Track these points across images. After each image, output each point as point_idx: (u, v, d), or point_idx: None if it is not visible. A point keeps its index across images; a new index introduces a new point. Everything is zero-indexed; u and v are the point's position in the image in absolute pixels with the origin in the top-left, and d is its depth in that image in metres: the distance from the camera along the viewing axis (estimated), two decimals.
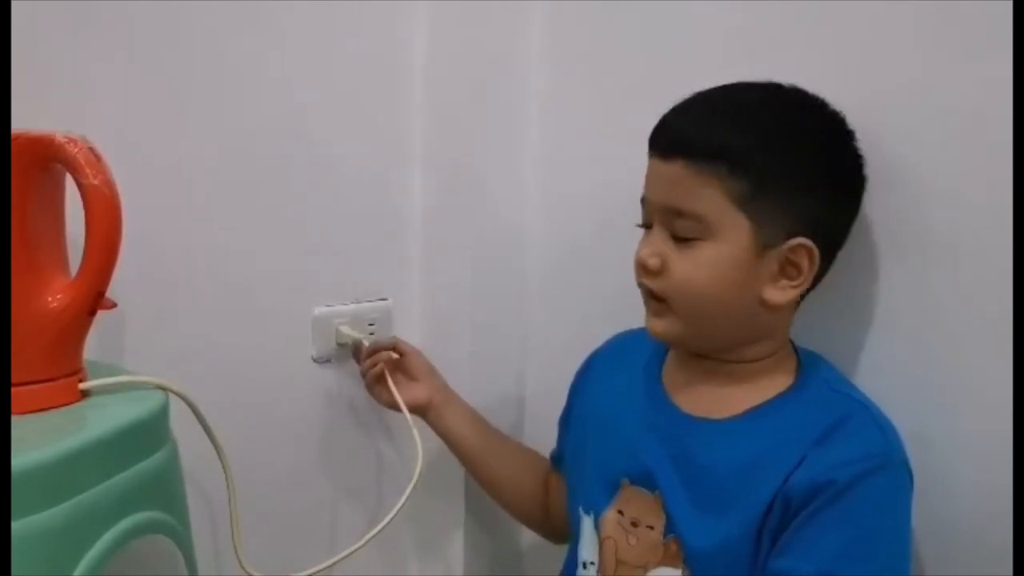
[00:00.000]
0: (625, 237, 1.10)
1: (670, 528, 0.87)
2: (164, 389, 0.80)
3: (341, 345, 1.14)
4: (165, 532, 0.76)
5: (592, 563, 0.94)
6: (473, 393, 1.16)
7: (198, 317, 1.01)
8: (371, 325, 1.15)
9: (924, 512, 0.86)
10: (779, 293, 0.84)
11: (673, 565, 0.87)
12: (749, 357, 0.88)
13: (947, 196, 0.86)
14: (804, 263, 0.84)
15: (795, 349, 0.92)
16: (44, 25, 0.87)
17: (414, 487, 1.04)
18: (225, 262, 1.03)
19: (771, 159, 0.83)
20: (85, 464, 0.68)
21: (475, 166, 1.19)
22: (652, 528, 0.88)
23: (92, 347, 0.79)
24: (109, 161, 0.73)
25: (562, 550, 1.03)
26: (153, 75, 0.95)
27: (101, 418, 0.74)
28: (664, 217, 0.86)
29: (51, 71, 0.88)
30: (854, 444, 0.82)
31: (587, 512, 0.95)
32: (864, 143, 0.88)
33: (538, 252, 1.23)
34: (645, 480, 0.89)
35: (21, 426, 0.69)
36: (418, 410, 1.10)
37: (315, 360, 1.13)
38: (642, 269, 0.87)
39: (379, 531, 1.02)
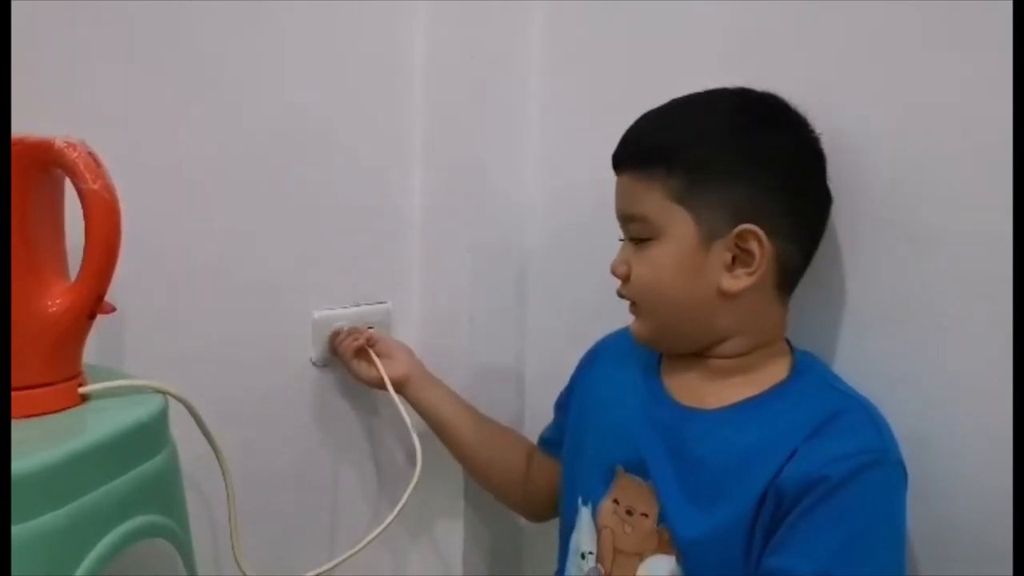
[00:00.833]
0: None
1: (663, 517, 0.88)
2: (164, 393, 0.80)
3: None
4: (165, 535, 0.76)
5: (591, 553, 0.95)
6: (473, 394, 1.16)
7: (198, 321, 1.01)
8: (370, 328, 1.15)
9: (922, 513, 0.86)
10: (735, 282, 0.87)
11: (667, 553, 0.87)
12: (730, 352, 0.89)
13: (946, 195, 0.86)
14: (754, 248, 0.86)
15: (791, 349, 0.92)
16: (43, 27, 0.87)
17: (413, 488, 1.04)
18: (224, 266, 1.03)
19: (701, 152, 0.87)
20: (85, 468, 0.68)
21: (475, 168, 1.19)
22: (646, 516, 0.89)
23: (92, 351, 0.79)
24: (108, 165, 0.73)
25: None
26: (152, 77, 0.95)
27: (101, 422, 0.74)
28: (624, 225, 0.92)
29: (50, 74, 0.88)
30: (847, 439, 0.82)
31: (585, 503, 0.96)
32: (857, 142, 0.89)
33: (537, 254, 1.23)
34: (639, 468, 0.90)
35: (21, 430, 0.69)
36: (397, 385, 1.12)
37: (314, 363, 1.13)
38: (614, 277, 0.93)
39: (379, 534, 1.02)
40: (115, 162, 0.74)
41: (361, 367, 1.12)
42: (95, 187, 0.72)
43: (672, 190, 0.86)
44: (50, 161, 0.73)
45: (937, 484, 0.87)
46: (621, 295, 0.93)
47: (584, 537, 0.96)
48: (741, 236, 0.85)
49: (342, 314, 1.14)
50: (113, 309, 0.78)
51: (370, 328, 1.15)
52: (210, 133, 1.00)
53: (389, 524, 1.02)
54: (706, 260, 0.86)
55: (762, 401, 0.88)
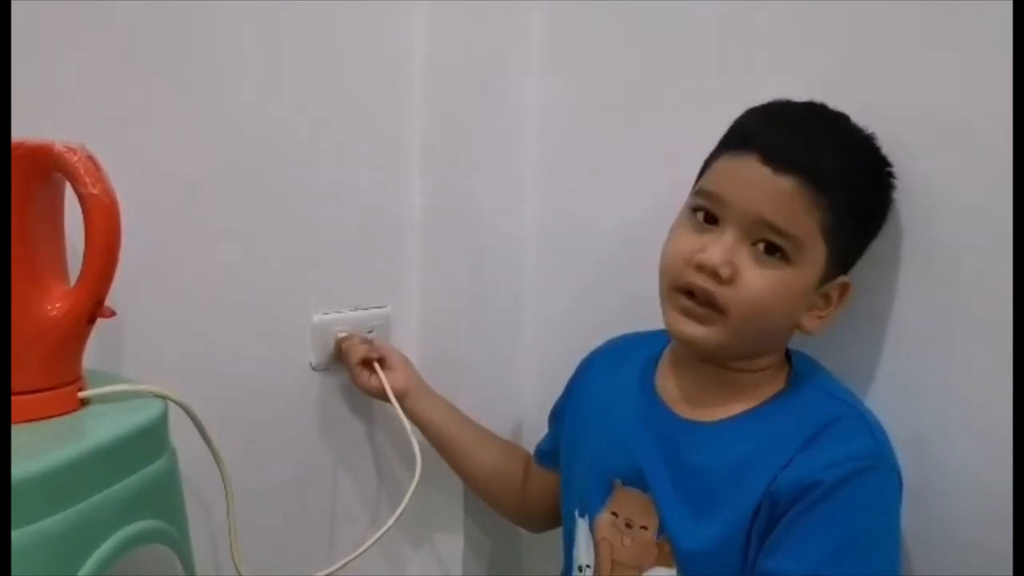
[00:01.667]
0: (624, 243, 1.10)
1: (662, 528, 0.88)
2: (163, 397, 0.80)
3: None
4: (164, 540, 0.76)
5: (588, 566, 0.94)
6: (471, 400, 1.16)
7: (197, 325, 1.01)
8: (370, 332, 1.15)
9: (920, 516, 0.86)
10: (814, 323, 0.86)
11: (667, 565, 0.87)
12: (756, 368, 0.89)
13: (944, 198, 0.86)
14: (835, 296, 0.86)
15: (787, 352, 0.92)
16: (43, 29, 0.86)
17: (412, 493, 1.04)
18: (224, 270, 1.03)
19: (859, 197, 0.84)
20: (84, 473, 0.68)
21: (474, 171, 1.18)
22: (646, 528, 0.89)
23: (91, 355, 0.79)
24: (108, 169, 0.73)
25: (561, 552, 1.03)
26: (151, 80, 0.95)
27: (100, 427, 0.73)
28: (751, 226, 0.82)
29: (49, 77, 0.87)
30: (843, 445, 0.82)
31: (582, 515, 0.95)
32: None
33: (536, 258, 1.22)
34: (637, 480, 0.90)
35: (21, 435, 0.69)
36: (395, 395, 1.10)
37: (314, 368, 1.12)
38: (709, 274, 0.83)
39: (378, 538, 1.02)
40: (115, 166, 0.74)
41: (363, 375, 1.11)
42: (95, 191, 0.71)
43: (824, 221, 0.81)
44: (50, 165, 0.73)
45: (935, 486, 0.87)
46: (705, 294, 0.83)
47: (582, 550, 0.95)
48: (843, 288, 0.86)
49: (342, 318, 1.13)
50: (113, 313, 0.78)
51: (370, 332, 1.14)
52: (209, 136, 1.00)
53: (388, 529, 1.02)
54: (809, 298, 0.85)
55: (760, 412, 0.87)
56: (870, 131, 0.86)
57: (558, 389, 1.08)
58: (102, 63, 0.91)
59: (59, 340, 0.75)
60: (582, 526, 0.95)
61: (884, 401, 0.90)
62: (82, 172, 0.71)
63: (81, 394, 0.76)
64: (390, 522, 1.02)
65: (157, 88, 0.96)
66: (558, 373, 1.08)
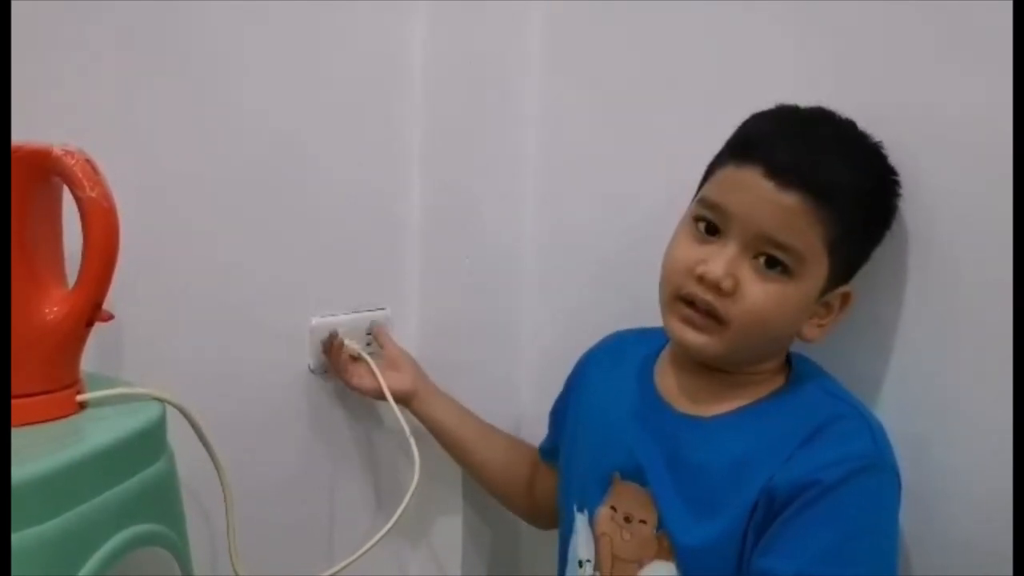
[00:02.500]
0: (624, 245, 1.10)
1: (661, 523, 0.88)
2: (161, 400, 0.79)
3: None
4: (163, 544, 0.76)
5: (588, 560, 0.95)
6: (470, 402, 1.16)
7: (195, 328, 1.01)
8: (369, 335, 1.14)
9: (920, 517, 0.86)
10: (814, 331, 0.87)
11: (667, 559, 0.88)
12: (756, 371, 0.89)
13: (944, 201, 0.86)
14: (837, 305, 0.86)
15: (787, 353, 0.92)
16: (43, 30, 0.86)
17: (412, 494, 1.04)
18: (222, 273, 1.03)
19: (865, 210, 0.84)
20: (83, 476, 0.68)
21: (473, 173, 1.19)
22: (645, 523, 0.89)
23: (89, 359, 0.79)
24: (106, 172, 0.73)
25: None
26: (150, 83, 0.95)
27: (99, 430, 0.73)
28: (753, 240, 0.82)
29: (48, 80, 0.87)
30: (841, 445, 0.82)
31: (580, 509, 0.96)
32: None
33: (536, 259, 1.22)
34: (636, 475, 0.90)
35: (19, 438, 0.68)
36: (403, 398, 1.10)
37: (312, 370, 1.12)
38: (710, 286, 0.82)
39: (378, 540, 1.02)
40: (112, 168, 0.74)
41: (355, 375, 1.10)
42: (93, 195, 0.71)
43: (827, 236, 0.81)
44: (48, 169, 0.73)
45: (935, 486, 0.87)
46: (707, 305, 0.83)
47: (581, 545, 0.95)
48: (844, 297, 0.86)
49: (340, 320, 1.13)
50: (111, 317, 0.78)
51: (370, 334, 1.14)
52: (208, 138, 1.00)
53: (388, 530, 1.02)
54: (811, 308, 0.85)
55: (759, 408, 0.88)
56: (877, 139, 0.85)
57: (558, 390, 1.08)
58: (101, 69, 0.91)
59: (57, 344, 0.75)
60: (581, 521, 0.95)
61: (884, 401, 0.90)
62: (80, 176, 0.71)
63: (79, 397, 0.76)
64: (390, 523, 1.02)
65: (157, 88, 0.95)
66: (558, 374, 1.08)
